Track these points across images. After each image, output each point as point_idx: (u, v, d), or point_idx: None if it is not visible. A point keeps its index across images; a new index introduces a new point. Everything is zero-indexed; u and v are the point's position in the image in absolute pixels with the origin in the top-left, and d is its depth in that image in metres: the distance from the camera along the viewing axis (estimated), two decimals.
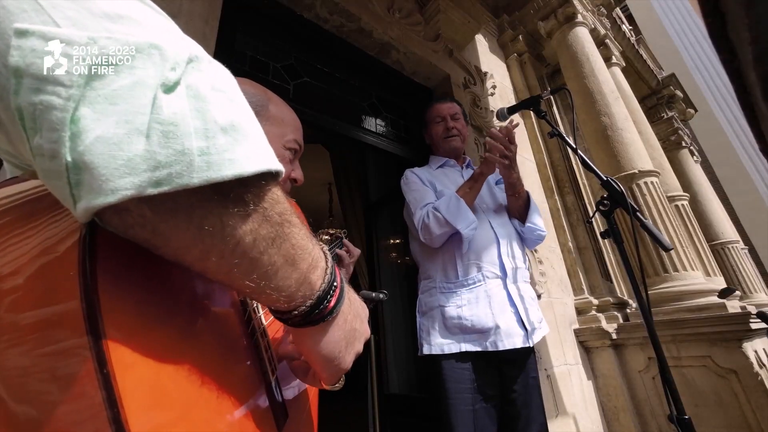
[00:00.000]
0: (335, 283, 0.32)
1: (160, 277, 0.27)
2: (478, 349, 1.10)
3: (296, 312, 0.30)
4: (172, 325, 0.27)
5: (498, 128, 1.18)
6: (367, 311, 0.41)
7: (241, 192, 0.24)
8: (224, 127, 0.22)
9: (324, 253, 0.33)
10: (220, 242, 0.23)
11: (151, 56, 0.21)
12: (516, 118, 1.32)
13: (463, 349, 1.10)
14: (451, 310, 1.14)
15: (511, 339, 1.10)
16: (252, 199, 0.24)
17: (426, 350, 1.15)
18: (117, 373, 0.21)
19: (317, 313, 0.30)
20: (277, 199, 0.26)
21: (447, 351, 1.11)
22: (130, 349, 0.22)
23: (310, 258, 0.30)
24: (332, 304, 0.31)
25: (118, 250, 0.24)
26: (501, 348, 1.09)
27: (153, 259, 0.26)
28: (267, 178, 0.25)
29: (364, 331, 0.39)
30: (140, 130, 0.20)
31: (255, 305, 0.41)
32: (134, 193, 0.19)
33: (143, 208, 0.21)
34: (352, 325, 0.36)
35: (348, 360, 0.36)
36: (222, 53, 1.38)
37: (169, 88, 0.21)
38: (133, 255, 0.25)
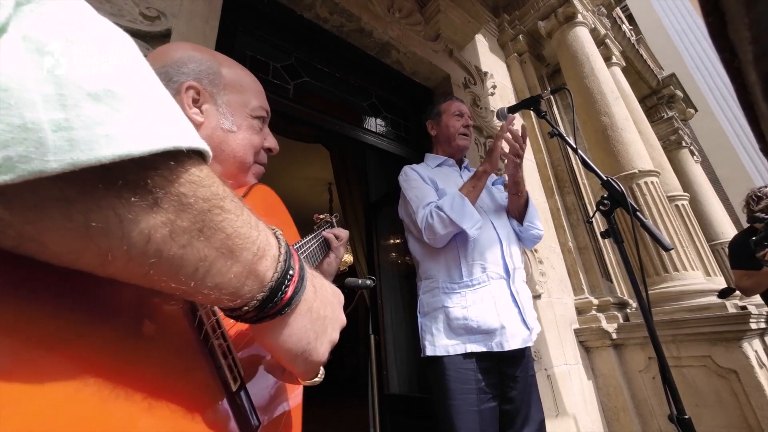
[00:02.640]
0: (291, 272, 0.29)
1: (71, 280, 0.23)
2: (484, 349, 1.09)
3: (247, 308, 0.26)
4: (89, 337, 0.22)
5: (517, 128, 1.20)
6: (341, 297, 0.38)
7: (140, 176, 0.19)
8: (94, 94, 0.17)
9: (277, 238, 0.29)
10: (121, 241, 0.19)
11: None
12: (517, 119, 1.33)
13: (469, 350, 1.09)
14: (456, 311, 1.13)
15: (516, 339, 1.10)
16: (159, 184, 0.19)
17: (430, 351, 1.14)
18: None
19: (272, 307, 0.27)
20: (198, 181, 0.21)
21: (452, 352, 1.10)
22: (16, 376, 0.18)
23: (255, 247, 0.26)
24: (289, 294, 0.28)
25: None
26: (506, 348, 1.08)
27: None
28: (177, 157, 0.20)
29: (339, 318, 0.36)
30: None
31: (209, 307, 0.36)
32: None
33: None
34: (319, 313, 0.33)
35: (321, 351, 0.33)
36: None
37: None
38: (13, 259, 0.20)
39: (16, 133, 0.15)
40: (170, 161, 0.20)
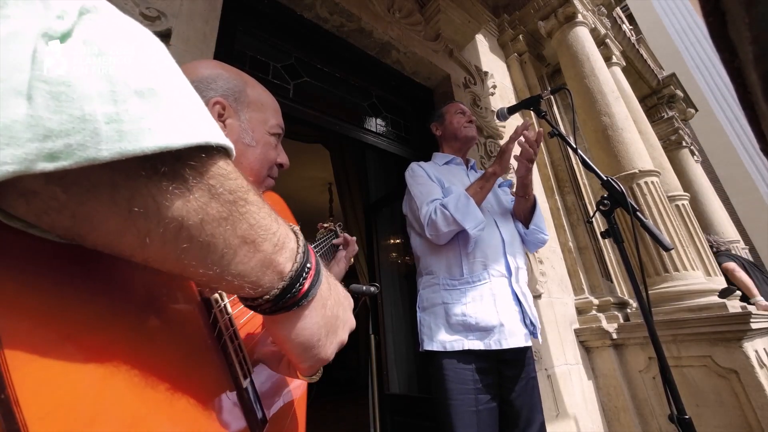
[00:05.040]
0: (309, 265, 0.30)
1: (97, 276, 0.24)
2: (482, 347, 1.09)
3: (267, 297, 0.27)
4: (113, 329, 0.24)
5: (533, 132, 1.19)
6: (351, 301, 0.39)
7: (177, 167, 0.21)
8: (140, 91, 0.19)
9: (295, 233, 0.31)
10: (158, 225, 0.21)
11: (29, 1, 0.18)
12: (530, 122, 1.32)
13: (467, 347, 1.09)
14: (456, 307, 1.14)
15: (515, 337, 1.10)
16: (192, 174, 0.21)
17: (428, 346, 1.14)
18: (21, 397, 0.18)
19: (290, 298, 0.28)
20: (226, 174, 0.23)
21: (449, 348, 1.10)
22: (42, 363, 0.19)
23: (275, 238, 0.27)
24: (306, 287, 0.29)
25: (21, 248, 0.21)
26: (504, 346, 1.08)
27: (84, 255, 0.23)
28: (208, 151, 0.22)
29: (348, 320, 0.37)
30: (19, 91, 0.16)
31: (222, 306, 0.38)
32: (18, 169, 0.16)
33: (53, 188, 0.18)
34: (333, 311, 0.33)
35: (329, 350, 0.33)
36: (222, 53, 1.38)
37: (56, 42, 0.18)
38: (46, 252, 0.22)
39: (76, 123, 0.17)
40: (202, 154, 0.22)
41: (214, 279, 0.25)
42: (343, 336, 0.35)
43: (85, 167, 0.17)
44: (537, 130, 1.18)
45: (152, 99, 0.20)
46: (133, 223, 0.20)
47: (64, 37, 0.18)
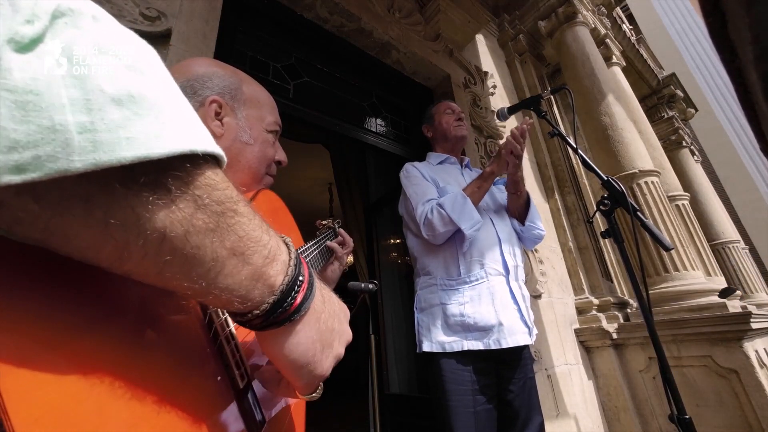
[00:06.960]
0: (301, 278, 0.29)
1: (86, 280, 0.23)
2: (481, 347, 1.09)
3: (257, 312, 0.26)
4: (103, 335, 0.23)
5: (517, 127, 1.16)
6: (347, 312, 0.38)
7: (159, 177, 0.20)
8: (117, 99, 0.18)
9: (287, 245, 0.30)
10: (138, 237, 0.20)
11: None
12: (526, 116, 1.31)
13: (466, 348, 1.09)
14: (453, 307, 1.13)
15: (514, 336, 1.10)
16: (176, 184, 0.20)
17: (426, 347, 1.14)
18: (8, 404, 0.18)
19: (281, 313, 0.27)
20: (213, 184, 0.22)
21: (449, 349, 1.10)
22: (29, 371, 0.19)
23: (266, 251, 0.26)
24: (298, 301, 0.28)
25: (2, 252, 0.20)
26: (504, 346, 1.08)
27: (72, 259, 0.22)
28: (194, 160, 0.21)
29: (345, 332, 0.36)
30: None
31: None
32: None
33: (25, 200, 0.17)
34: (327, 324, 0.32)
35: (325, 365, 0.32)
36: (222, 53, 1.38)
37: (23, 47, 0.16)
38: (30, 256, 0.21)
39: (45, 134, 0.16)
40: (187, 164, 0.21)
41: (200, 293, 0.24)
42: (339, 349, 0.35)
43: (56, 178, 0.16)
44: (522, 125, 1.15)
45: (132, 106, 0.19)
46: (111, 235, 0.19)
47: (34, 43, 0.17)
